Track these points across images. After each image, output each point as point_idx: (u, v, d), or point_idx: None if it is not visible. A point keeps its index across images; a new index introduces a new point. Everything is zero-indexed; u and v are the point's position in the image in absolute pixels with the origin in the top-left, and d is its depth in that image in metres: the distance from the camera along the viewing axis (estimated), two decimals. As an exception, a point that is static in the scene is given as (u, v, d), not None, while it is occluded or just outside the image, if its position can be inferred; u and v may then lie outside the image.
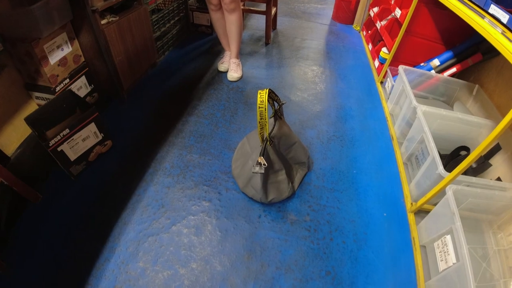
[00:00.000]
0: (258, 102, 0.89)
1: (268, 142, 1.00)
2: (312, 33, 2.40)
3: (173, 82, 1.71)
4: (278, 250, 0.98)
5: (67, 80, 1.23)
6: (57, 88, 1.18)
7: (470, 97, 1.46)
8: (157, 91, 1.63)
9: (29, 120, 1.03)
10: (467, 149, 1.24)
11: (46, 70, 1.12)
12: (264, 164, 0.90)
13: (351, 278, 0.94)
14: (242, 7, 1.58)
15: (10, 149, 1.08)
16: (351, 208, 1.13)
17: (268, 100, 0.94)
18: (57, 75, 1.19)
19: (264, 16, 2.03)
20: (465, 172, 1.18)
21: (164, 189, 1.14)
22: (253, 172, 0.91)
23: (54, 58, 1.15)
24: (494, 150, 1.19)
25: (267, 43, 2.14)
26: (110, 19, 1.31)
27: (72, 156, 1.12)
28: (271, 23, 2.07)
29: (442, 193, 0.99)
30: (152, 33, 1.66)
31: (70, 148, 1.10)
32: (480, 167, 1.21)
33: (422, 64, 1.58)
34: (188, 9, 2.06)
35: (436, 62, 1.48)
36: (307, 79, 1.86)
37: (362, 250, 1.01)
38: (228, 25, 1.59)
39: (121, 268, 0.92)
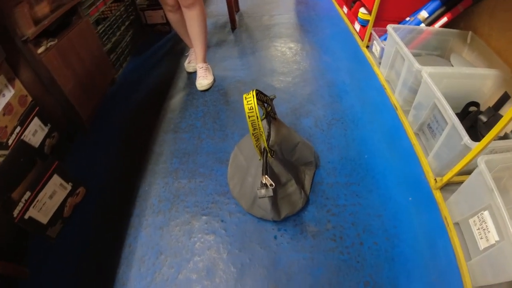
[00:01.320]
0: (247, 110, 0.72)
1: (269, 154, 0.84)
2: (279, 7, 2.18)
3: (139, 97, 1.49)
4: (306, 273, 0.86)
5: (18, 128, 1.03)
6: (10, 141, 0.99)
7: (465, 46, 1.34)
8: (123, 111, 1.42)
9: None
10: (476, 104, 1.13)
11: None
12: (271, 185, 0.75)
13: (391, 282, 0.83)
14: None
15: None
16: (373, 201, 1.01)
17: (262, 102, 0.78)
18: (6, 126, 0.99)
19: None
20: (478, 128, 1.08)
21: (158, 231, 0.97)
22: (259, 197, 0.76)
23: None
24: (503, 99, 1.08)
25: (233, 28, 1.93)
26: (48, 45, 1.08)
27: (44, 219, 0.95)
28: (234, 5, 1.84)
29: (469, 164, 0.89)
30: (102, 47, 1.42)
31: (39, 211, 0.92)
32: (492, 120, 1.10)
33: (408, 19, 1.43)
34: (138, 9, 1.80)
35: (424, 14, 1.34)
36: (288, 59, 1.68)
37: (397, 247, 0.90)
38: (189, 24, 1.36)
39: None
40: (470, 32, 1.32)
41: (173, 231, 0.97)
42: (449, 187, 1.02)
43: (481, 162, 0.80)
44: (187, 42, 1.56)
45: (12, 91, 1.02)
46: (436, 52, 1.42)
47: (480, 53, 1.28)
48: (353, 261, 0.87)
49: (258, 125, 0.74)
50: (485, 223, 0.79)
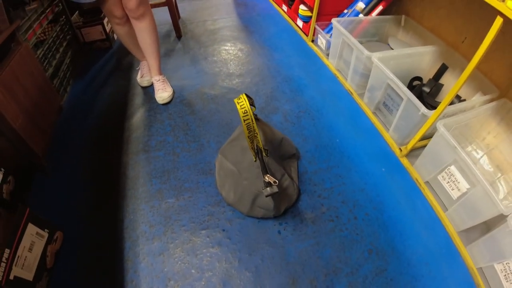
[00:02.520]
0: (241, 114, 0.73)
1: (264, 154, 0.86)
2: (219, 11, 2.20)
3: (93, 121, 1.35)
4: (316, 257, 0.91)
5: None
6: None
7: (400, 29, 1.56)
8: (79, 139, 1.26)
9: None
10: (419, 79, 1.33)
11: None
12: (275, 182, 0.77)
13: (390, 244, 0.94)
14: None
15: None
16: (354, 178, 1.11)
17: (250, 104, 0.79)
18: None
19: (165, 8, 1.73)
20: (424, 98, 1.28)
21: (158, 258, 0.91)
22: (266, 196, 0.77)
23: None
24: (441, 70, 1.30)
25: (179, 37, 1.87)
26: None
27: (30, 276, 0.81)
28: (175, 13, 1.79)
29: (428, 129, 1.05)
30: (45, 73, 1.25)
31: (22, 268, 0.79)
32: (434, 90, 1.32)
33: (345, 11, 1.60)
34: (74, 28, 1.61)
35: (361, 5, 1.51)
36: (241, 61, 1.71)
37: (385, 213, 1.01)
38: (141, 35, 1.28)
39: None
40: (403, 16, 1.52)
41: (175, 253, 0.92)
42: (413, 152, 1.18)
43: (440, 125, 0.95)
44: (137, 55, 1.47)
45: None
46: (375, 38, 1.61)
47: (414, 33, 1.49)
48: (353, 234, 0.96)
49: (253, 127, 0.76)
50: (454, 176, 0.95)
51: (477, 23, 1.18)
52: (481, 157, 1.11)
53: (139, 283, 0.86)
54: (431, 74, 1.33)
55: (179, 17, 2.06)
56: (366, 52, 1.22)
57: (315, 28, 1.68)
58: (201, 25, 2.03)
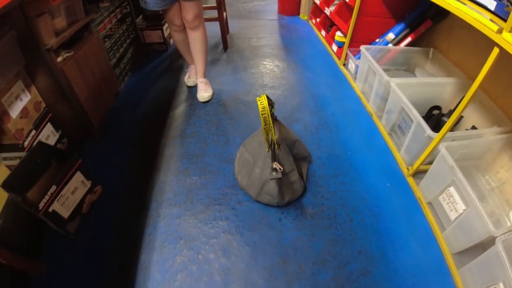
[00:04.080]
0: (260, 109, 0.90)
1: (276, 146, 1.01)
2: (265, 31, 2.46)
3: (143, 108, 1.62)
4: (308, 246, 1.01)
5: (34, 132, 1.09)
6: (25, 143, 1.05)
7: (428, 61, 1.64)
8: (129, 121, 1.54)
9: (7, 186, 0.90)
10: (438, 108, 1.40)
11: (10, 126, 0.98)
12: (280, 169, 0.92)
13: (380, 250, 1.00)
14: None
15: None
16: (358, 188, 1.20)
17: (269, 105, 0.96)
18: (22, 129, 1.05)
19: (217, 23, 2.03)
20: (438, 127, 1.34)
21: (175, 220, 1.09)
22: (270, 179, 0.92)
23: (15, 111, 1.02)
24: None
25: (225, 49, 2.15)
26: (65, 55, 1.20)
27: (66, 214, 1.01)
28: (225, 28, 2.07)
29: (433, 152, 1.11)
30: (109, 62, 1.56)
31: (61, 205, 0.99)
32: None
33: (377, 40, 1.73)
34: (138, 29, 1.97)
35: (391, 35, 1.64)
36: (276, 75, 1.91)
37: (381, 222, 1.08)
38: (193, 43, 1.54)
39: None
40: (431, 49, 1.62)
41: (189, 219, 1.09)
42: (419, 174, 1.24)
43: (442, 147, 1.02)
44: (187, 59, 1.74)
45: (29, 96, 1.09)
46: (403, 67, 1.71)
47: (440, 65, 1.57)
48: (347, 234, 1.05)
49: (269, 121, 0.92)
50: (452, 197, 1.00)
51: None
52: (491, 189, 1.14)
53: (155, 237, 1.04)
54: (452, 106, 1.39)
55: (228, 32, 2.36)
56: (386, 77, 1.34)
57: (347, 53, 1.83)
58: (247, 41, 2.30)
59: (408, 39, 1.60)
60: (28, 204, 0.90)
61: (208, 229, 1.06)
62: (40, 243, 1.01)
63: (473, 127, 1.25)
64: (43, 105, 1.19)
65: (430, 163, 1.19)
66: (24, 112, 1.08)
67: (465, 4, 0.94)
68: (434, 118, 1.34)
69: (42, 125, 1.15)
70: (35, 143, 1.09)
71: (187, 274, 0.95)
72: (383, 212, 1.12)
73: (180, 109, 1.62)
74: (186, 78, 1.78)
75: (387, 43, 1.65)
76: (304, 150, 1.23)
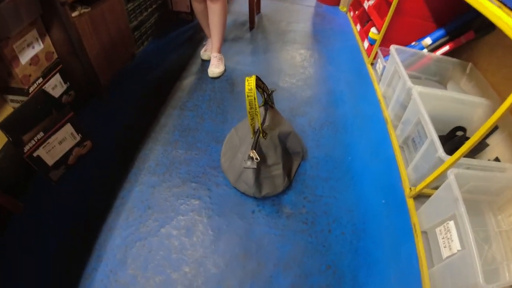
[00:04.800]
0: (246, 90, 0.80)
1: (261, 134, 0.91)
2: (298, 16, 2.28)
3: (154, 74, 1.58)
4: (275, 247, 0.92)
5: (40, 80, 1.11)
6: (30, 89, 1.07)
7: (464, 76, 1.41)
8: (138, 84, 1.50)
9: (3, 126, 0.92)
10: (463, 130, 1.19)
11: (18, 71, 1.00)
12: (256, 159, 0.82)
13: (352, 271, 0.89)
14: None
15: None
16: (348, 197, 1.07)
17: (256, 88, 0.85)
18: (30, 75, 1.07)
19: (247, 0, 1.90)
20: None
21: (150, 189, 1.05)
22: (244, 167, 0.83)
23: (25, 58, 1.03)
24: (492, 129, 1.14)
25: (251, 28, 2.02)
26: (82, 11, 1.17)
27: (50, 161, 1.02)
28: (255, 7, 1.94)
29: (442, 176, 0.94)
30: (129, 24, 1.52)
31: (47, 152, 0.99)
32: (477, 147, 1.16)
33: (413, 43, 1.51)
34: None
35: (428, 40, 1.41)
36: (295, 63, 1.76)
37: (362, 240, 0.95)
38: (211, 15, 1.44)
39: (110, 277, 0.84)
40: (470, 64, 1.38)
41: (163, 191, 1.04)
42: (421, 198, 1.07)
43: (451, 173, 0.85)
44: (206, 32, 1.65)
45: (41, 46, 1.11)
46: (435, 78, 1.48)
47: (476, 84, 1.34)
48: (320, 245, 0.93)
49: (255, 104, 0.82)
50: (450, 232, 0.85)
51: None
52: (500, 232, 0.95)
53: (127, 201, 1.01)
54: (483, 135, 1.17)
55: (258, 11, 2.21)
56: (409, 83, 1.15)
57: (377, 52, 1.63)
58: (276, 24, 2.15)
59: (446, 48, 1.37)
60: (16, 145, 0.90)
61: (178, 205, 1.00)
62: (26, 185, 1.03)
63: (497, 159, 1.04)
64: (55, 56, 1.19)
65: (437, 188, 1.02)
66: (34, 60, 1.09)
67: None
68: (456, 140, 1.14)
69: (51, 75, 1.16)
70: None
71: (145, 245, 0.90)
72: (367, 230, 0.98)
73: (188, 80, 1.55)
74: (202, 51, 1.70)
75: (422, 48, 1.43)
76: (298, 145, 1.11)
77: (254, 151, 0.84)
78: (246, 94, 0.80)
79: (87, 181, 1.06)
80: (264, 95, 0.96)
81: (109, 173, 1.09)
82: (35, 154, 0.96)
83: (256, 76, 0.82)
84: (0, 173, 0.95)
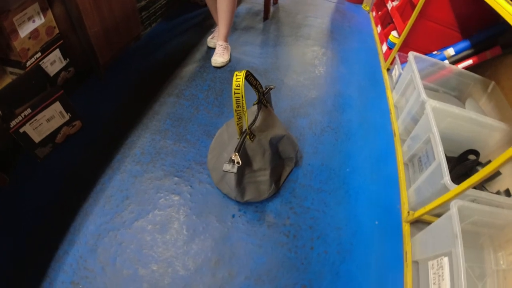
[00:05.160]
0: (234, 86, 0.71)
1: (248, 136, 0.83)
2: (317, 10, 2.13)
3: (157, 58, 1.50)
4: (250, 257, 0.85)
5: (39, 54, 1.07)
6: (28, 63, 1.03)
7: (484, 95, 1.26)
8: (139, 67, 1.43)
9: None
10: (476, 153, 1.06)
11: (16, 44, 0.96)
12: (237, 163, 0.74)
13: (329, 294, 0.81)
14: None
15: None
16: (338, 213, 0.98)
17: (251, 84, 0.77)
18: (28, 49, 1.03)
19: (265, -12, 1.78)
20: (468, 177, 1.02)
21: (131, 178, 0.99)
22: (223, 170, 0.75)
23: (25, 31, 0.98)
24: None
25: (265, 19, 1.90)
26: (83, -14, 1.10)
27: (37, 138, 0.98)
28: (270, -3, 1.81)
29: (445, 205, 0.84)
30: (136, 3, 1.44)
31: (34, 129, 0.96)
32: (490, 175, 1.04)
33: (435, 52, 1.36)
34: None
35: (450, 51, 1.27)
36: (305, 60, 1.64)
37: (346, 263, 0.87)
38: (219, 1, 1.34)
39: (79, 263, 0.80)
40: (493, 82, 1.24)
41: (144, 182, 0.98)
42: (419, 224, 0.97)
43: (454, 205, 0.75)
44: (215, 18, 1.55)
45: (42, 20, 1.06)
46: (454, 93, 1.34)
47: (497, 105, 1.20)
48: (298, 261, 0.86)
49: (242, 103, 0.73)
50: (442, 269, 0.75)
51: None
52: (497, 271, 0.84)
53: (106, 188, 0.96)
54: (494, 156, 1.04)
55: (276, 2, 2.08)
56: (423, 95, 1.03)
57: (395, 57, 1.49)
58: (292, 17, 2.01)
59: (469, 62, 1.22)
60: (5, 119, 0.87)
61: (157, 199, 0.95)
62: (13, 161, 1.00)
63: (507, 192, 0.92)
64: (56, 31, 1.14)
65: (438, 215, 0.91)
66: (34, 34, 1.04)
67: None
68: (467, 164, 1.02)
69: (50, 50, 1.11)
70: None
71: (117, 236, 0.85)
72: (354, 252, 0.90)
73: (189, 67, 1.47)
74: (209, 38, 1.61)
75: (444, 59, 1.28)
76: (292, 150, 1.02)
77: (237, 154, 0.76)
78: (233, 90, 0.71)
79: (72, 162, 1.02)
80: (258, 92, 0.87)
81: (94, 157, 1.04)
82: (21, 130, 0.93)
83: (248, 71, 0.73)
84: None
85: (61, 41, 1.14)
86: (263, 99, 0.90)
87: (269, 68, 1.54)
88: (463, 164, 1.05)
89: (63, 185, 0.96)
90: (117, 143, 1.09)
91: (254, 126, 0.86)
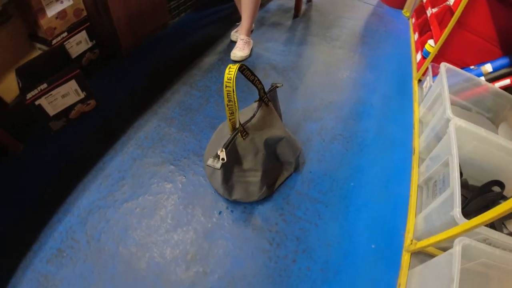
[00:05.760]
0: (225, 79, 0.67)
1: (240, 133, 0.78)
2: (352, 12, 1.99)
3: (180, 47, 1.51)
4: (227, 258, 0.81)
5: (65, 34, 1.12)
6: (54, 41, 1.08)
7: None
8: (161, 54, 1.45)
9: (18, 71, 0.95)
10: (501, 185, 0.90)
11: (43, 22, 1.02)
12: (222, 159, 0.70)
13: (304, 313, 0.74)
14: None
15: (10, 96, 1.00)
16: (332, 229, 0.90)
17: (248, 79, 0.72)
18: (55, 28, 1.08)
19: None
20: (487, 208, 0.87)
21: (131, 160, 1.00)
22: (206, 165, 0.71)
23: (52, 11, 1.04)
24: None
25: (295, 16, 1.81)
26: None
27: (51, 112, 1.04)
28: (304, -6, 1.72)
29: (453, 240, 0.72)
30: (164, -7, 1.45)
31: (49, 103, 1.01)
32: (518, 213, 0.87)
33: (471, 67, 1.18)
34: None
35: (488, 67, 1.09)
36: (329, 62, 1.54)
37: (328, 283, 0.79)
38: None
39: (68, 233, 0.83)
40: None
41: (142, 166, 0.99)
42: (421, 255, 0.86)
43: (458, 243, 0.64)
44: (240, 12, 1.51)
45: (71, 2, 1.10)
46: (488, 114, 1.16)
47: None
48: (276, 272, 0.80)
49: (233, 98, 0.69)
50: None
51: None
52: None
53: (106, 167, 0.98)
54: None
55: (310, 0, 1.98)
56: (448, 112, 0.89)
57: (427, 68, 1.33)
58: (324, 16, 1.90)
59: (507, 81, 1.04)
60: (24, 91, 0.93)
61: (150, 184, 0.94)
62: (26, 129, 1.06)
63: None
64: (84, 13, 1.18)
65: (445, 250, 0.79)
66: (62, 14, 1.10)
67: None
68: (489, 196, 0.87)
69: (77, 31, 1.16)
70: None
71: (106, 213, 0.87)
72: (340, 273, 0.81)
73: (208, 59, 1.45)
74: (233, 32, 1.57)
75: (480, 75, 1.10)
76: (291, 154, 0.95)
77: (224, 150, 0.72)
78: (224, 84, 0.67)
79: (82, 138, 1.07)
80: (258, 90, 0.81)
81: (103, 135, 1.07)
82: (37, 103, 0.98)
83: (243, 65, 0.69)
84: (17, 113, 1.01)
85: (88, 23, 1.18)
86: (264, 96, 0.84)
87: (288, 66, 1.47)
88: (484, 195, 0.90)
89: (68, 158, 1.00)
90: (125, 125, 1.11)
91: (249, 123, 0.81)
